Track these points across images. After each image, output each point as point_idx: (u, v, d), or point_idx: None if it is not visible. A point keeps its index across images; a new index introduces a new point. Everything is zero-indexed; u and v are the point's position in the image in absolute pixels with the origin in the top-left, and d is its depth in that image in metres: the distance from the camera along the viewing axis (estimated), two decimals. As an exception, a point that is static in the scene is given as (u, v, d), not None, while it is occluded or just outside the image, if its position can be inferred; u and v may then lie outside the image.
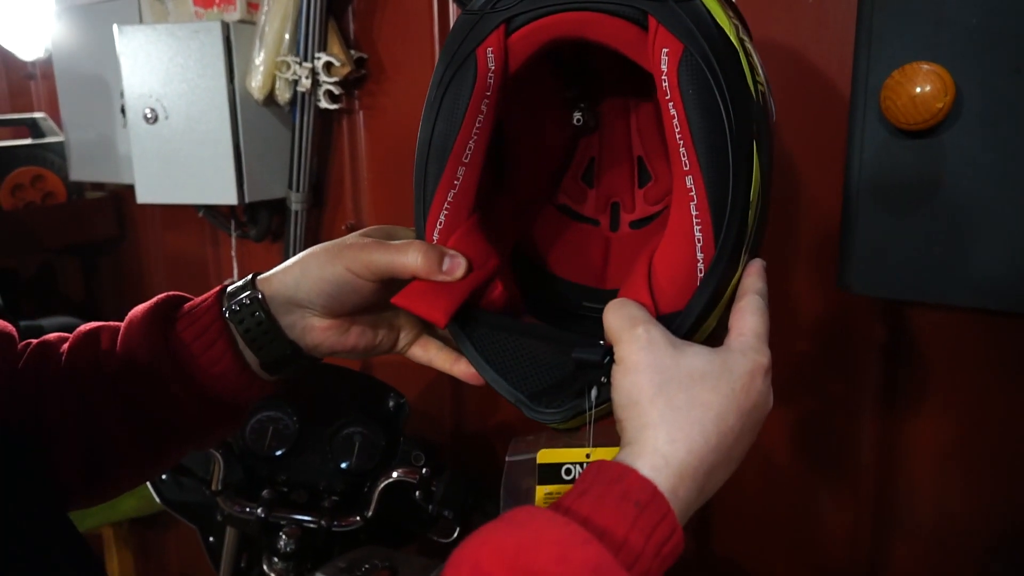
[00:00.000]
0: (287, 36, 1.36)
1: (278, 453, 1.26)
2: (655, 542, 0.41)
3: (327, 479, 1.24)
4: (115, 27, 1.41)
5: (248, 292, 0.59)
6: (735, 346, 0.49)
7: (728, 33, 0.50)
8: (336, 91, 1.38)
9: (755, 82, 0.52)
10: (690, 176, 0.50)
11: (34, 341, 0.62)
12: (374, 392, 1.28)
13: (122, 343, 0.59)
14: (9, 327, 0.61)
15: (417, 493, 1.11)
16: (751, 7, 1.02)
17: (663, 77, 0.50)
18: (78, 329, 0.62)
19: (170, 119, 1.42)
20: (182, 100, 1.40)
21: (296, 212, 1.49)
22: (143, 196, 1.46)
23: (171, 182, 1.45)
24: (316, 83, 1.38)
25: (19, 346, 0.61)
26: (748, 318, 0.50)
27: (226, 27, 1.36)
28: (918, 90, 0.69)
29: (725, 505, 1.17)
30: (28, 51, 2.03)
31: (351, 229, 1.51)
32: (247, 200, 1.44)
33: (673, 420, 0.45)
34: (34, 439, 0.57)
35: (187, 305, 0.61)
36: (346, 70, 1.38)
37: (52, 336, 0.62)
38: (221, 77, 1.37)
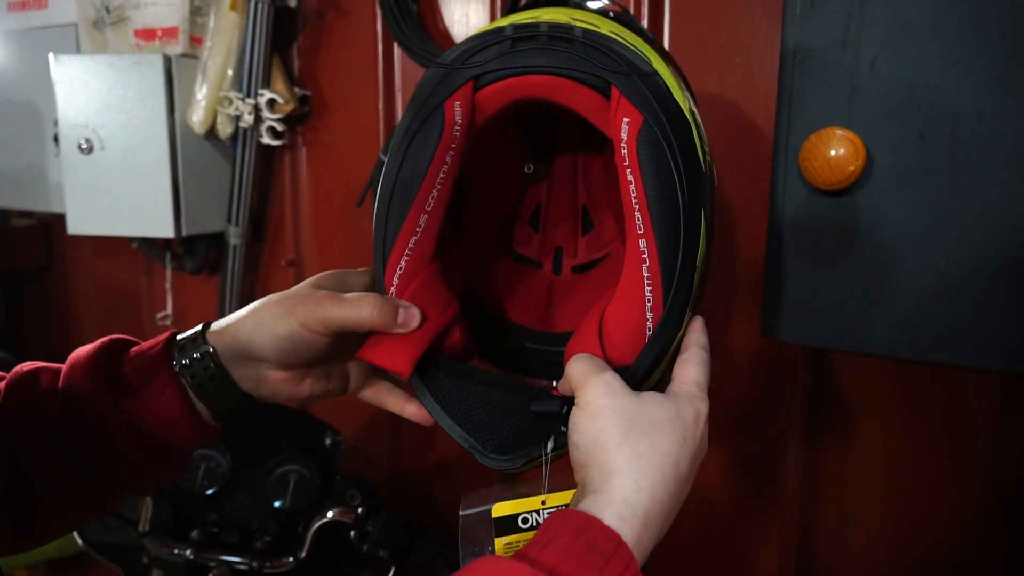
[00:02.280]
0: (230, 71, 1.36)
1: (209, 492, 1.23)
2: None
3: (260, 519, 1.22)
4: (51, 56, 1.39)
5: (200, 347, 0.58)
6: (682, 394, 0.51)
7: (683, 107, 0.53)
8: (279, 127, 1.39)
9: (704, 152, 0.55)
10: (644, 240, 0.53)
11: None
12: (310, 430, 1.27)
13: (64, 385, 0.58)
14: None
15: (352, 533, 1.10)
16: (686, 62, 1.07)
17: (623, 145, 0.53)
18: (16, 368, 0.60)
19: (106, 150, 1.39)
20: (119, 131, 1.38)
21: (234, 246, 1.48)
22: (75, 227, 1.43)
23: (105, 213, 1.42)
24: (259, 119, 1.38)
25: None
26: (692, 369, 0.53)
27: (168, 60, 1.36)
28: (832, 153, 0.73)
29: (661, 546, 1.20)
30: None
31: (290, 264, 1.50)
32: (184, 233, 1.42)
33: (639, 467, 0.46)
34: None
35: (134, 350, 0.60)
36: (289, 107, 1.39)
37: (9, 375, 0.60)
38: (161, 110, 1.36)
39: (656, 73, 0.53)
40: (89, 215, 1.43)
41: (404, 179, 0.57)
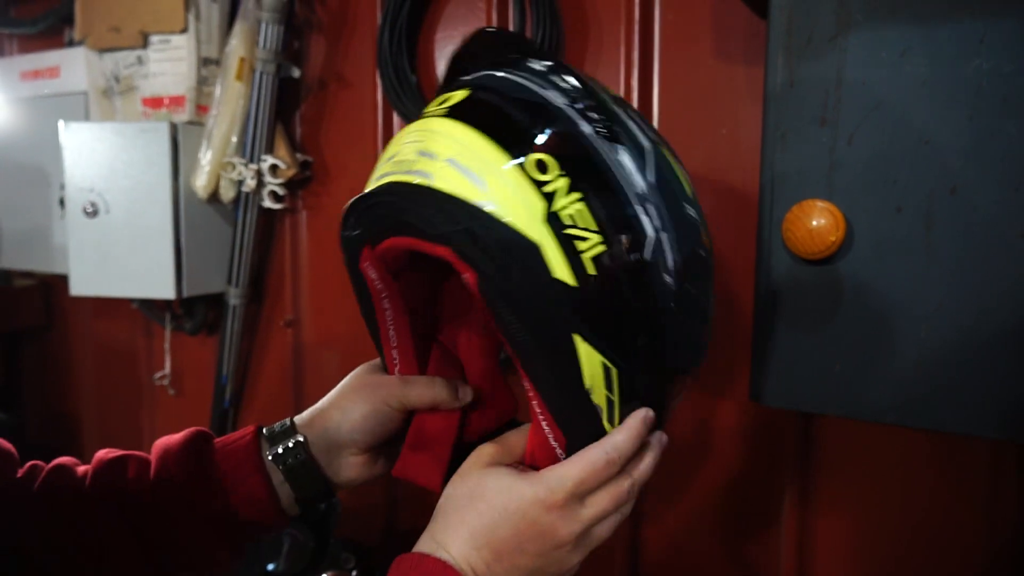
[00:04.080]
0: (234, 138, 1.40)
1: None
2: None
3: (253, 583, 1.21)
4: (60, 123, 1.43)
5: (292, 437, 0.65)
6: (535, 477, 0.55)
7: (522, 229, 0.51)
8: (280, 191, 1.42)
9: (576, 263, 0.52)
10: (525, 380, 0.55)
11: (42, 463, 0.64)
12: (305, 492, 1.27)
13: (157, 472, 0.63)
14: (8, 445, 0.63)
15: (346, 598, 1.09)
16: (675, 135, 1.11)
17: (477, 299, 0.53)
18: (98, 456, 0.65)
19: (111, 213, 1.43)
20: (125, 195, 1.42)
21: (234, 307, 1.50)
22: (78, 288, 1.45)
23: (108, 275, 1.45)
24: (261, 183, 1.42)
25: (23, 466, 0.64)
26: (571, 462, 0.55)
27: (174, 127, 1.40)
28: (814, 223, 0.76)
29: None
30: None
31: (289, 325, 1.52)
32: (185, 294, 1.44)
33: (449, 514, 0.55)
34: (27, 564, 0.58)
35: (218, 441, 0.66)
36: (291, 172, 1.43)
37: (67, 460, 0.65)
38: (166, 175, 1.40)
39: (474, 217, 0.52)
40: (92, 276, 1.45)
41: (369, 330, 0.65)
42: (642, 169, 0.56)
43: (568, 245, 0.53)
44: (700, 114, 1.08)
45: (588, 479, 0.54)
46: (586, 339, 0.54)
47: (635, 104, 1.13)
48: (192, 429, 0.67)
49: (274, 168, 1.41)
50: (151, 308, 1.63)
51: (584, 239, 0.53)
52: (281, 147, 1.43)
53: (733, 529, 1.14)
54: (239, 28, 1.39)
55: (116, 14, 1.46)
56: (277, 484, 0.65)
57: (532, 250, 0.52)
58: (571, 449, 0.56)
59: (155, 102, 1.46)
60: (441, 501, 0.57)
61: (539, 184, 0.53)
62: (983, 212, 0.72)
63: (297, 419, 0.67)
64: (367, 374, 0.67)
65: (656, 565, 1.19)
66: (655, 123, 1.13)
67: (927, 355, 0.76)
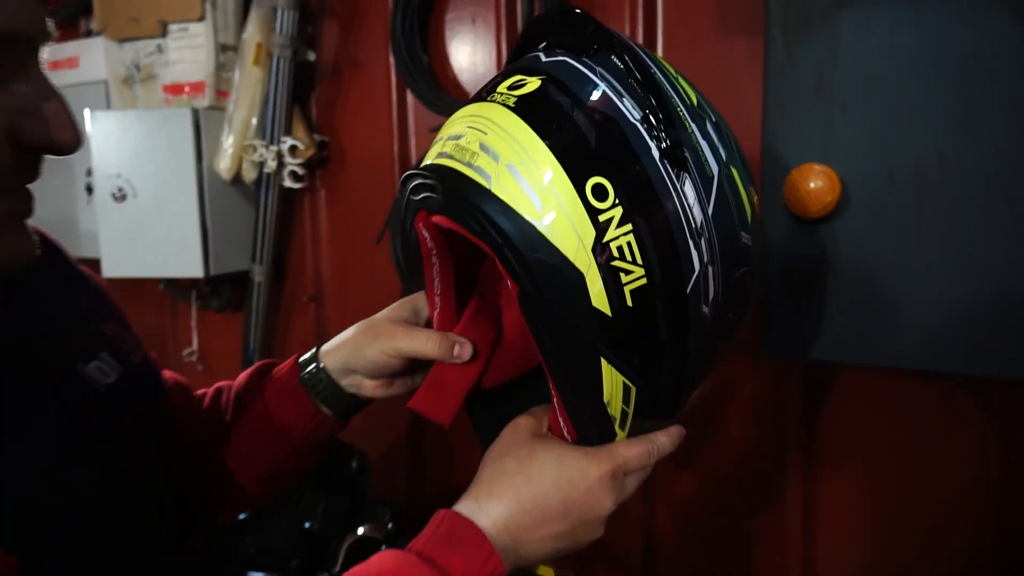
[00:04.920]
0: (254, 121, 1.46)
1: (242, 516, 1.30)
2: (477, 563, 0.55)
3: (293, 540, 1.29)
4: (87, 111, 1.49)
5: (315, 363, 0.75)
6: (591, 452, 0.60)
7: (569, 256, 0.52)
8: (299, 171, 1.49)
9: (616, 294, 0.53)
10: (551, 384, 0.59)
11: (202, 390, 0.84)
12: (338, 453, 1.34)
13: (235, 394, 0.80)
14: (182, 378, 0.82)
15: (383, 547, 1.17)
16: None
17: (518, 303, 0.55)
18: (205, 390, 0.83)
19: (138, 197, 1.49)
20: (151, 180, 1.48)
21: (258, 284, 1.57)
22: (109, 270, 1.52)
23: (138, 257, 1.51)
24: (281, 164, 1.48)
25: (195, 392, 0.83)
26: (630, 446, 0.61)
27: (196, 113, 1.46)
28: (812, 185, 0.83)
29: (676, 557, 1.27)
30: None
31: (311, 300, 1.59)
32: (212, 273, 1.51)
33: (496, 480, 0.59)
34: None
35: (275, 370, 0.79)
36: (309, 152, 1.49)
37: (210, 389, 0.83)
38: (190, 159, 1.46)
39: (524, 234, 0.52)
40: (123, 259, 1.52)
41: (410, 271, 0.68)
42: (704, 200, 0.55)
43: (611, 277, 0.53)
44: (703, 84, 1.13)
45: (634, 463, 0.61)
46: (611, 362, 0.56)
47: (640, 78, 1.19)
48: (260, 362, 0.81)
49: (293, 149, 1.47)
50: (177, 288, 1.70)
51: (628, 272, 0.54)
52: (299, 129, 1.49)
53: (746, 480, 1.21)
54: (255, 15, 1.45)
55: (135, 4, 1.51)
56: (314, 400, 0.76)
57: (576, 278, 0.53)
58: (580, 440, 0.61)
59: (176, 89, 1.52)
60: (487, 466, 0.61)
61: (594, 212, 0.53)
62: (968, 176, 0.78)
63: (323, 347, 0.76)
64: (380, 320, 0.74)
65: (669, 517, 1.28)
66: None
67: (918, 305, 0.83)
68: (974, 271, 0.79)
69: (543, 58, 0.59)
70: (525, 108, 0.56)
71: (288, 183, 1.49)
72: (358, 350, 0.73)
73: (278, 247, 1.59)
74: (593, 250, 0.53)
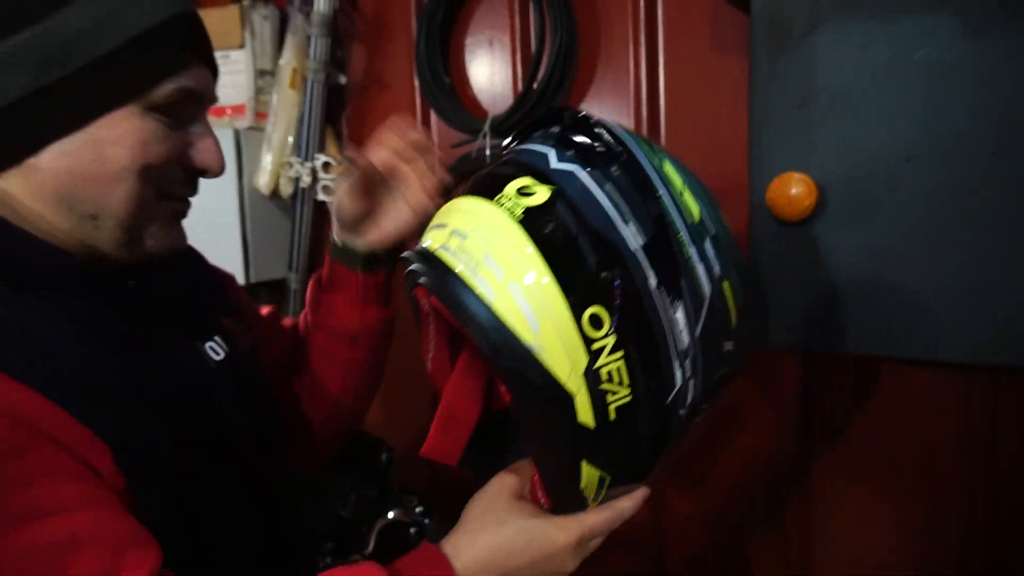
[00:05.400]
0: (291, 140, 1.58)
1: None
2: None
3: (327, 526, 1.39)
4: (138, 133, 1.62)
5: (331, 240, 0.93)
6: (561, 523, 0.68)
7: (561, 380, 0.56)
8: (332, 186, 1.60)
9: (601, 411, 0.57)
10: (533, 465, 0.67)
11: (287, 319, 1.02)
12: (368, 447, 1.45)
13: (323, 286, 0.96)
14: (275, 309, 1.00)
15: (412, 530, 1.27)
16: (678, 118, 1.26)
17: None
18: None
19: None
20: (197, 195, 1.60)
21: (294, 290, 1.68)
22: (158, 279, 1.64)
23: (184, 266, 1.64)
24: (315, 179, 1.59)
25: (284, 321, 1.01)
26: (598, 515, 0.68)
27: (237, 133, 1.58)
28: (792, 192, 0.91)
29: (688, 538, 1.35)
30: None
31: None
32: (252, 280, 1.63)
33: (476, 532, 0.68)
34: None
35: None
36: (341, 168, 1.60)
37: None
38: (232, 176, 1.58)
39: (518, 356, 0.56)
40: (170, 268, 1.64)
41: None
42: (693, 324, 0.58)
43: (599, 397, 0.57)
44: (702, 100, 1.23)
45: (599, 529, 0.69)
46: (590, 463, 0.61)
47: (643, 93, 1.28)
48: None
49: (326, 165, 1.58)
50: (220, 296, 1.82)
51: (615, 392, 0.57)
52: (331, 146, 1.61)
53: (749, 465, 1.29)
54: (290, 42, 1.57)
55: (181, 34, 1.64)
56: (348, 266, 0.91)
57: (565, 398, 0.57)
58: (555, 510, 0.68)
59: (219, 111, 1.64)
60: (470, 515, 0.71)
61: (589, 340, 0.56)
62: (933, 176, 0.87)
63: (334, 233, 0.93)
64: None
65: (678, 499, 1.35)
66: (661, 109, 1.28)
67: (894, 295, 0.91)
68: (943, 261, 0.87)
69: (554, 162, 0.60)
70: (532, 224, 0.57)
71: (321, 197, 1.61)
72: (337, 212, 0.90)
73: (312, 256, 1.70)
74: (584, 374, 0.56)
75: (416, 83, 1.52)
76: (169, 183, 0.69)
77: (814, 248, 0.94)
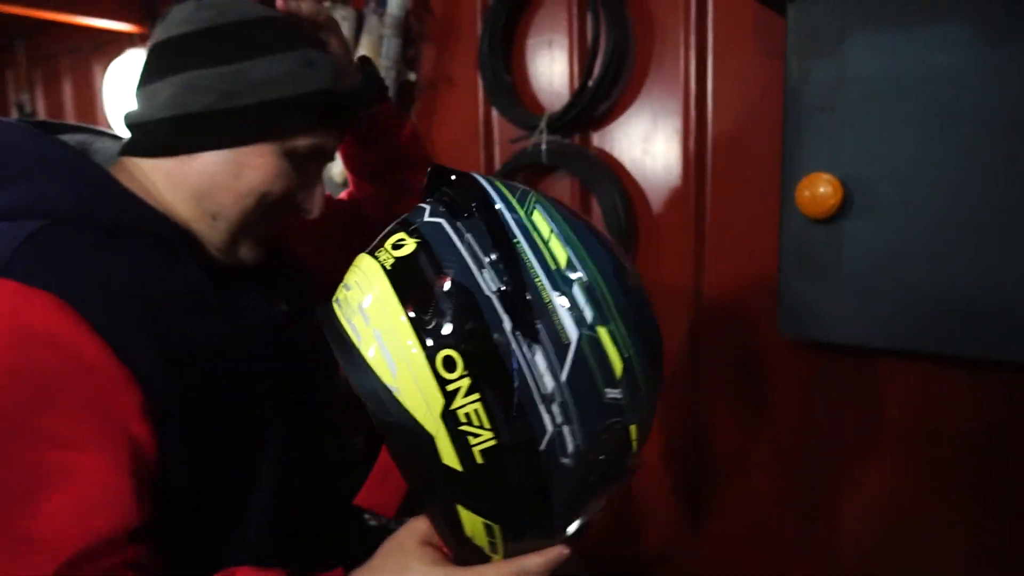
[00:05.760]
0: (363, 133, 1.70)
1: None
2: None
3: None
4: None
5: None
6: (457, 572, 0.67)
7: (420, 420, 0.59)
8: (400, 176, 1.72)
9: (466, 454, 0.59)
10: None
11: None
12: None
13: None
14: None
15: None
16: (725, 118, 1.32)
17: None
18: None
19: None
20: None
21: (364, 273, 1.81)
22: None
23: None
24: (385, 170, 1.72)
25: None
26: (493, 568, 0.67)
27: (315, 126, 1.72)
28: (820, 191, 0.98)
29: (724, 514, 1.42)
30: (140, 137, 2.43)
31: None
32: (325, 263, 1.76)
33: (380, 569, 0.70)
34: None
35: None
36: (409, 159, 1.72)
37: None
38: (310, 165, 1.72)
39: (379, 399, 0.59)
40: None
41: None
42: (556, 368, 0.59)
43: (460, 439, 0.59)
44: (748, 100, 1.29)
45: None
46: (467, 508, 0.63)
47: (691, 93, 1.35)
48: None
49: (395, 157, 1.70)
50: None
51: (477, 435, 0.59)
52: (400, 139, 1.72)
53: (773, 448, 1.35)
54: (365, 41, 1.69)
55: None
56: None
57: (427, 439, 0.59)
58: (457, 560, 0.68)
59: (299, 105, 1.78)
60: (379, 554, 0.71)
61: (443, 382, 0.59)
62: (951, 176, 0.92)
63: None
64: None
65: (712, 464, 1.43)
66: (709, 109, 1.34)
67: (913, 290, 0.97)
68: (957, 256, 0.93)
69: (426, 215, 0.66)
70: (396, 275, 0.63)
71: (390, 186, 1.73)
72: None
73: (381, 241, 1.83)
74: (442, 416, 0.59)
75: (479, 81, 1.62)
76: (275, 209, 0.82)
77: (839, 244, 1.00)
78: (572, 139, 1.51)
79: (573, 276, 0.61)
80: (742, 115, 1.30)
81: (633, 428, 0.64)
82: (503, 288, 0.60)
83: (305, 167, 0.82)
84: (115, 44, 2.53)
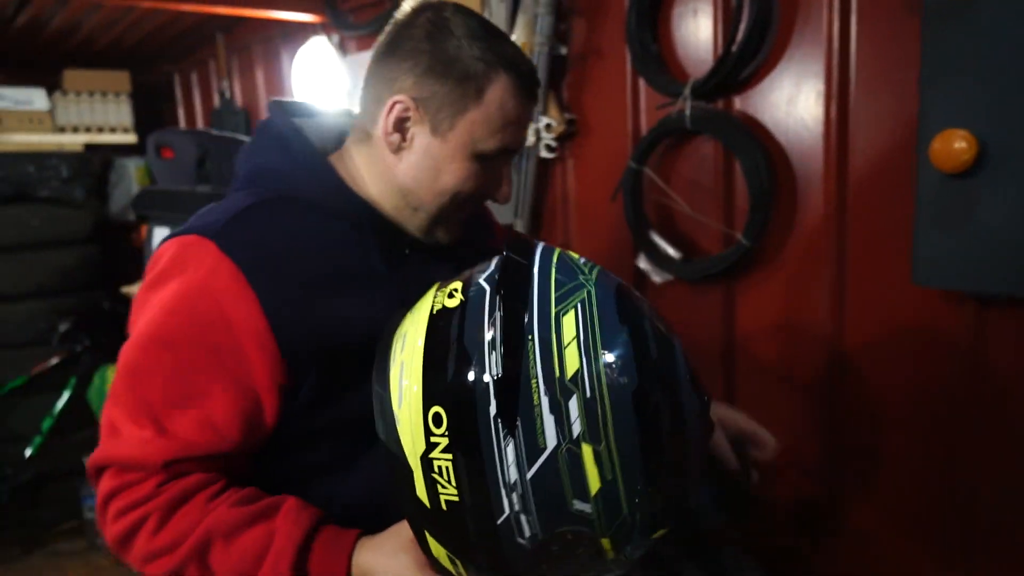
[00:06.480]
0: (519, 105, 1.85)
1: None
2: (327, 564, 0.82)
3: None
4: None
5: None
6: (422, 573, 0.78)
7: (407, 453, 0.66)
8: (553, 144, 1.86)
9: (434, 497, 0.66)
10: None
11: None
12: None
13: None
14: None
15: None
16: (869, 78, 1.35)
17: None
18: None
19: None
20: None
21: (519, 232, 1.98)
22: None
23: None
24: (538, 139, 1.86)
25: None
26: None
27: (476, 101, 1.89)
28: (955, 146, 1.01)
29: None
30: (322, 116, 2.71)
31: (562, 247, 1.97)
32: (485, 225, 1.94)
33: (376, 549, 0.82)
34: None
35: None
36: (561, 129, 1.85)
37: None
38: (471, 136, 1.90)
39: (388, 414, 0.69)
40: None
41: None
42: (523, 464, 0.63)
43: (431, 484, 0.66)
44: (891, 60, 1.31)
45: None
46: (432, 536, 0.70)
47: (834, 55, 1.38)
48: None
49: (548, 126, 1.84)
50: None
51: (444, 487, 0.66)
52: (553, 109, 1.86)
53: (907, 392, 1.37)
54: (520, 20, 1.83)
55: (433, 18, 1.97)
56: None
57: (408, 470, 0.68)
58: (434, 566, 0.75)
59: (461, 82, 1.96)
60: (385, 535, 0.82)
61: (429, 431, 0.66)
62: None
63: None
64: None
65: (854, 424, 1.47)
66: (851, 66, 1.36)
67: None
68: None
69: (482, 277, 0.72)
70: (435, 320, 0.71)
71: (544, 154, 1.87)
72: None
73: (536, 204, 1.98)
74: (420, 458, 0.66)
75: (627, 52, 1.71)
76: (468, 201, 0.96)
77: (972, 199, 1.03)
78: (715, 104, 1.58)
79: (574, 388, 0.63)
80: (883, 73, 1.32)
81: (605, 541, 0.65)
82: (502, 377, 0.63)
83: (494, 164, 0.94)
84: (301, 33, 2.82)
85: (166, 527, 0.85)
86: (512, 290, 0.67)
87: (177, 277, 0.88)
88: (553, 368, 0.63)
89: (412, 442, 0.66)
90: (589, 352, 0.63)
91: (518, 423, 0.62)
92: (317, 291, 0.90)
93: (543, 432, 0.62)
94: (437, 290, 0.75)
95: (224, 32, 3.30)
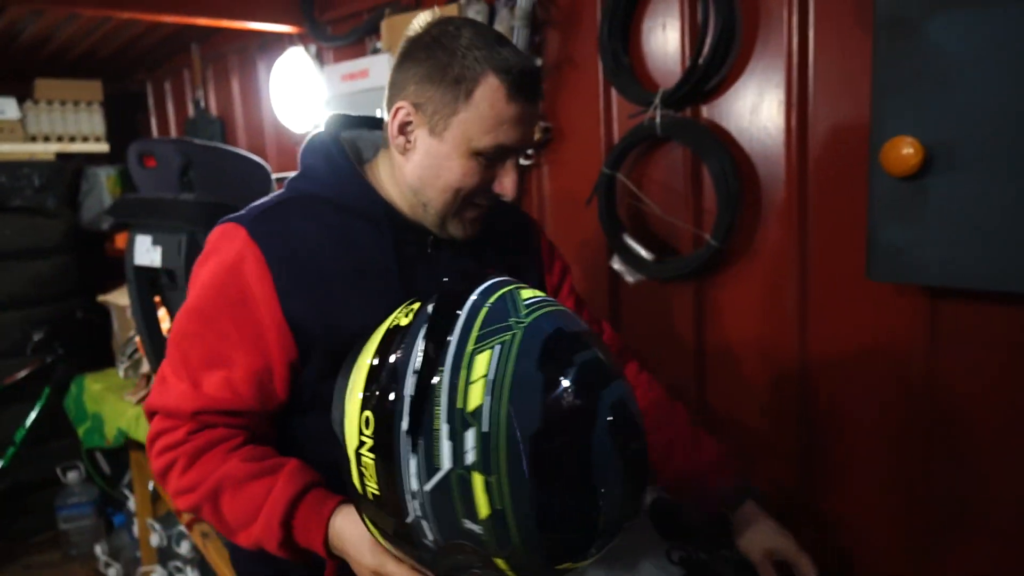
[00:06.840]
0: (496, 114, 1.93)
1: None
2: (311, 527, 0.96)
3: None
4: (378, 111, 2.04)
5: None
6: (378, 548, 0.89)
7: (348, 443, 0.79)
8: (530, 151, 1.93)
9: (363, 487, 0.78)
10: None
11: None
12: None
13: None
14: (570, 279, 1.38)
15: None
16: (827, 85, 1.45)
17: None
18: None
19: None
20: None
21: (498, 238, 2.04)
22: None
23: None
24: (515, 146, 1.93)
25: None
26: (394, 563, 0.89)
27: (455, 110, 1.95)
28: (904, 151, 1.11)
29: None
30: (299, 126, 2.77)
31: (537, 250, 2.04)
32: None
33: (354, 520, 0.92)
34: None
35: None
36: (537, 136, 1.93)
37: None
38: (450, 144, 1.96)
39: (341, 402, 0.83)
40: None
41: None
42: (423, 478, 0.72)
43: (360, 476, 0.79)
44: (846, 73, 1.41)
45: (391, 573, 0.90)
46: (365, 515, 0.83)
47: (794, 67, 1.47)
48: None
49: (525, 134, 1.92)
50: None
51: (369, 481, 0.78)
52: (529, 118, 1.94)
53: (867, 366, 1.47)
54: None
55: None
56: None
57: (347, 459, 0.82)
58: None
59: (440, 92, 2.03)
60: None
61: (360, 431, 0.79)
62: (1019, 140, 1.03)
63: None
64: None
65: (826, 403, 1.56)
66: (810, 78, 1.46)
67: (991, 236, 1.08)
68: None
69: (433, 303, 0.82)
70: (386, 336, 0.83)
71: (521, 161, 1.94)
72: None
73: (512, 210, 2.05)
74: (354, 452, 0.80)
75: (599, 63, 1.80)
76: (474, 197, 1.03)
77: (921, 200, 1.13)
78: (684, 113, 1.67)
79: (473, 421, 0.70)
80: (839, 85, 1.42)
81: (500, 562, 0.73)
82: (414, 397, 0.74)
83: (494, 161, 1.00)
84: (277, 43, 2.87)
85: (190, 470, 1.01)
86: (436, 325, 0.77)
87: (214, 256, 1.03)
88: (456, 400, 0.71)
89: (352, 436, 0.79)
90: (495, 391, 0.70)
91: (420, 442, 0.72)
92: (330, 280, 1.01)
93: (439, 455, 0.71)
94: (407, 305, 0.86)
95: (199, 42, 3.33)
